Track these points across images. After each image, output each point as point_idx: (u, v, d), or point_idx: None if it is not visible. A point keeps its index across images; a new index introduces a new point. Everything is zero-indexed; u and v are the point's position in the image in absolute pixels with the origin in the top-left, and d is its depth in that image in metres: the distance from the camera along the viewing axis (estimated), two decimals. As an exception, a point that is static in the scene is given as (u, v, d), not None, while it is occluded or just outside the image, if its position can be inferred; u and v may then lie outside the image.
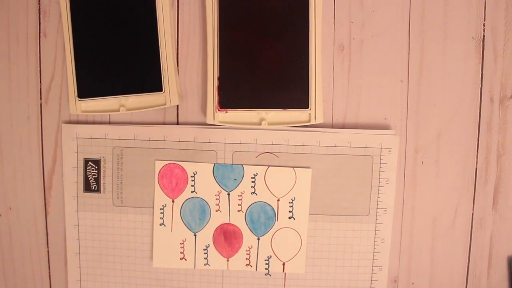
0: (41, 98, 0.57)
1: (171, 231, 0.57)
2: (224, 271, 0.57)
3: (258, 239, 0.56)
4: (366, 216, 0.56)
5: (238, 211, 0.56)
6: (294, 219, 0.56)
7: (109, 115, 0.56)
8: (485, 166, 0.55)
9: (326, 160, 0.55)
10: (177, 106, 0.56)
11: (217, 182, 0.56)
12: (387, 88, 0.55)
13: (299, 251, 0.56)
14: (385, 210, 0.55)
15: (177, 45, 0.55)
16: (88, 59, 0.54)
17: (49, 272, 0.59)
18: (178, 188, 0.56)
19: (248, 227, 0.56)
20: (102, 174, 0.57)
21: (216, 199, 0.56)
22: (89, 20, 0.54)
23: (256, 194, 0.56)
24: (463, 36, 0.54)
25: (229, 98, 0.53)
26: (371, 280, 0.56)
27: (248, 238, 0.56)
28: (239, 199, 0.56)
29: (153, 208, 0.57)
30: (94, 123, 0.56)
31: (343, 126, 0.55)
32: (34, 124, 0.57)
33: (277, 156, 0.55)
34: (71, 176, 0.57)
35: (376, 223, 0.56)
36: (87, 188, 0.57)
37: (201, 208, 0.56)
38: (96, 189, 0.57)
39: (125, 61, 0.53)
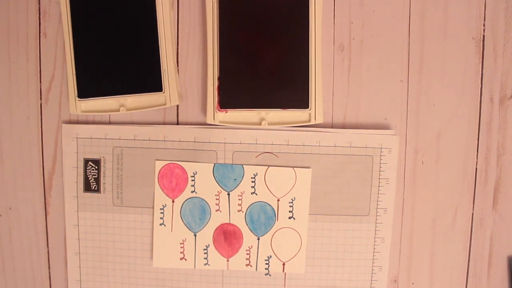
0: (41, 98, 0.57)
1: (171, 231, 0.57)
2: (224, 271, 0.57)
3: (258, 239, 0.56)
4: (366, 216, 0.56)
5: (238, 211, 0.56)
6: (294, 219, 0.56)
7: (109, 115, 0.56)
8: (485, 166, 0.55)
9: (326, 160, 0.55)
10: (177, 106, 0.56)
11: (217, 182, 0.56)
12: (387, 88, 0.55)
13: (299, 251, 0.56)
14: (385, 210, 0.55)
15: (177, 45, 0.55)
16: (88, 59, 0.54)
17: (49, 272, 0.59)
18: (178, 188, 0.56)
19: (248, 227, 0.56)
20: (102, 174, 0.57)
21: (216, 199, 0.56)
22: (89, 20, 0.54)
23: (256, 194, 0.56)
24: (463, 36, 0.54)
25: (229, 98, 0.53)
26: (371, 280, 0.56)
27: (248, 238, 0.56)
28: (239, 199, 0.56)
29: (153, 208, 0.57)
30: (94, 123, 0.56)
31: (343, 126, 0.55)
32: (34, 124, 0.57)
33: (277, 156, 0.55)
34: (71, 176, 0.57)
35: (376, 223, 0.56)
36: (87, 188, 0.57)
37: (201, 208, 0.56)
38: (96, 189, 0.57)
39: (125, 61, 0.53)
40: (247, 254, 0.57)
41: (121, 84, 0.54)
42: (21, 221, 0.58)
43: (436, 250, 0.57)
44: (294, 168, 0.55)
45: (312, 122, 0.54)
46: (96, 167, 0.57)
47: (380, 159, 0.55)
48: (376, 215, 0.56)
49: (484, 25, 0.54)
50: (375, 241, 0.56)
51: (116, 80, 0.54)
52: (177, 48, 0.56)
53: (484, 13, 0.54)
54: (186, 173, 0.56)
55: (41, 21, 0.56)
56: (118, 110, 0.55)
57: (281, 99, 0.53)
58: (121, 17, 0.53)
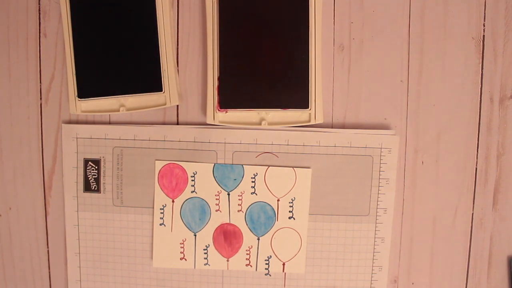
0: (41, 98, 0.57)
1: (171, 231, 0.57)
2: (224, 271, 0.57)
3: (258, 239, 0.56)
4: (366, 216, 0.56)
5: (238, 211, 0.56)
6: (294, 219, 0.56)
7: (109, 115, 0.56)
8: (485, 166, 0.55)
9: (326, 160, 0.55)
10: (177, 106, 0.56)
11: (217, 182, 0.56)
12: (387, 88, 0.55)
13: (299, 251, 0.56)
14: (385, 210, 0.55)
15: (177, 45, 0.55)
16: (88, 59, 0.54)
17: (49, 272, 0.59)
18: (178, 188, 0.56)
19: (248, 227, 0.56)
20: (102, 174, 0.57)
21: (216, 199, 0.56)
22: (89, 20, 0.54)
23: (256, 194, 0.56)
24: (463, 36, 0.54)
25: (229, 98, 0.53)
26: (371, 280, 0.56)
27: (248, 238, 0.56)
28: (239, 199, 0.56)
29: (153, 208, 0.57)
30: (94, 123, 0.56)
31: (343, 126, 0.55)
32: (34, 124, 0.57)
33: (277, 156, 0.55)
34: (71, 176, 0.57)
35: (376, 223, 0.56)
36: (87, 188, 0.57)
37: (201, 208, 0.56)
38: (96, 189, 0.57)
39: (125, 61, 0.54)
40: (247, 254, 0.57)
41: (121, 84, 0.54)
42: (21, 221, 0.58)
43: (436, 250, 0.57)
44: (294, 168, 0.55)
45: (312, 122, 0.54)
46: (96, 167, 0.57)
47: (380, 159, 0.55)
48: (376, 215, 0.56)
49: (484, 25, 0.54)
50: (375, 241, 0.56)
51: (116, 80, 0.54)
52: (177, 48, 0.56)
53: (484, 13, 0.54)
54: (186, 173, 0.56)
55: (41, 21, 0.56)
56: (118, 110, 0.55)
57: (281, 99, 0.53)
58: (121, 17, 0.53)
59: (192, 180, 0.56)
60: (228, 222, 0.56)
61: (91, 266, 0.58)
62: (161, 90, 0.54)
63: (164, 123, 0.56)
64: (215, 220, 0.56)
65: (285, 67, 0.53)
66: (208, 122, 0.54)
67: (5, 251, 0.59)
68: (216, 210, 0.56)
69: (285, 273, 0.57)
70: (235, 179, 0.56)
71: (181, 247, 0.57)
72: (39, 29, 0.56)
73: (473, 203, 0.56)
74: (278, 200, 0.56)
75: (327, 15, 0.54)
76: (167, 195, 0.56)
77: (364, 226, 0.56)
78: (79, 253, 0.58)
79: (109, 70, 0.54)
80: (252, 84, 0.53)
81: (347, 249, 0.56)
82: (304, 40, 0.52)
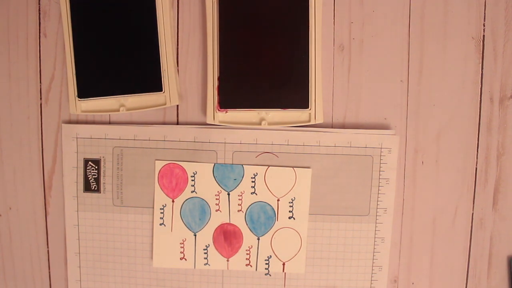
0: (41, 98, 0.57)
1: (171, 231, 0.57)
2: (224, 271, 0.57)
3: (258, 239, 0.56)
4: (366, 216, 0.56)
5: (238, 211, 0.56)
6: (294, 219, 0.56)
7: (109, 115, 0.56)
8: (485, 166, 0.55)
9: (326, 160, 0.55)
10: (177, 106, 0.56)
11: (217, 182, 0.56)
12: (387, 88, 0.55)
13: (299, 251, 0.56)
14: (385, 210, 0.55)
15: (177, 45, 0.55)
16: (88, 59, 0.54)
17: (49, 272, 0.59)
18: (178, 188, 0.56)
19: (248, 227, 0.56)
20: (102, 174, 0.57)
21: (216, 199, 0.56)
22: (89, 20, 0.54)
23: (256, 194, 0.56)
24: (463, 36, 0.54)
25: (229, 98, 0.53)
26: (371, 280, 0.56)
27: (248, 238, 0.56)
28: (239, 199, 0.56)
29: (153, 208, 0.57)
30: (94, 123, 0.56)
31: (343, 126, 0.55)
32: (34, 124, 0.57)
33: (277, 156, 0.55)
34: (71, 176, 0.57)
35: (376, 223, 0.56)
36: (87, 188, 0.57)
37: (201, 208, 0.56)
38: (96, 189, 0.57)
39: (125, 61, 0.54)
40: (247, 254, 0.57)
41: (121, 84, 0.54)
42: (21, 221, 0.58)
43: (436, 250, 0.57)
44: (294, 168, 0.55)
45: (312, 122, 0.54)
46: (96, 167, 0.57)
47: (380, 159, 0.55)
48: (376, 215, 0.56)
49: (484, 25, 0.54)
50: (375, 241, 0.56)
51: (116, 80, 0.54)
52: (177, 48, 0.56)
53: (484, 13, 0.54)
54: (186, 173, 0.56)
55: (41, 21, 0.56)
56: (118, 110, 0.55)
57: (281, 99, 0.53)
58: (121, 17, 0.53)
59: (192, 180, 0.56)
60: (228, 222, 0.56)
61: (91, 266, 0.58)
62: (161, 90, 0.54)
63: (164, 123, 0.56)
64: (215, 220, 0.56)
65: (285, 67, 0.53)
66: (208, 122, 0.54)
67: (5, 251, 0.59)
68: (216, 210, 0.56)
69: (285, 273, 0.57)
70: (235, 179, 0.56)
71: (181, 247, 0.57)
72: (39, 29, 0.56)
73: (473, 203, 0.56)
74: (278, 200, 0.56)
75: (327, 15, 0.54)
76: (167, 195, 0.56)
77: (364, 226, 0.56)
78: (79, 253, 0.58)
79: (109, 70, 0.54)
80: (252, 84, 0.53)
81: (347, 249, 0.56)
82: (304, 40, 0.52)
